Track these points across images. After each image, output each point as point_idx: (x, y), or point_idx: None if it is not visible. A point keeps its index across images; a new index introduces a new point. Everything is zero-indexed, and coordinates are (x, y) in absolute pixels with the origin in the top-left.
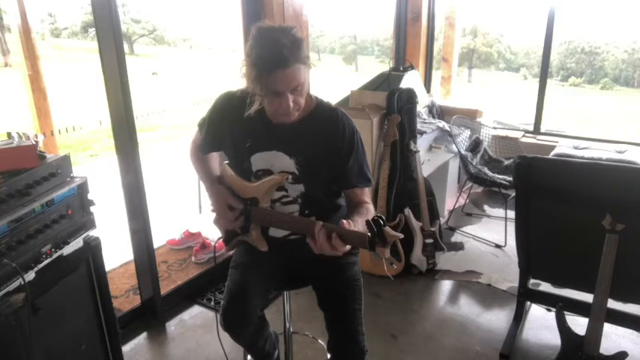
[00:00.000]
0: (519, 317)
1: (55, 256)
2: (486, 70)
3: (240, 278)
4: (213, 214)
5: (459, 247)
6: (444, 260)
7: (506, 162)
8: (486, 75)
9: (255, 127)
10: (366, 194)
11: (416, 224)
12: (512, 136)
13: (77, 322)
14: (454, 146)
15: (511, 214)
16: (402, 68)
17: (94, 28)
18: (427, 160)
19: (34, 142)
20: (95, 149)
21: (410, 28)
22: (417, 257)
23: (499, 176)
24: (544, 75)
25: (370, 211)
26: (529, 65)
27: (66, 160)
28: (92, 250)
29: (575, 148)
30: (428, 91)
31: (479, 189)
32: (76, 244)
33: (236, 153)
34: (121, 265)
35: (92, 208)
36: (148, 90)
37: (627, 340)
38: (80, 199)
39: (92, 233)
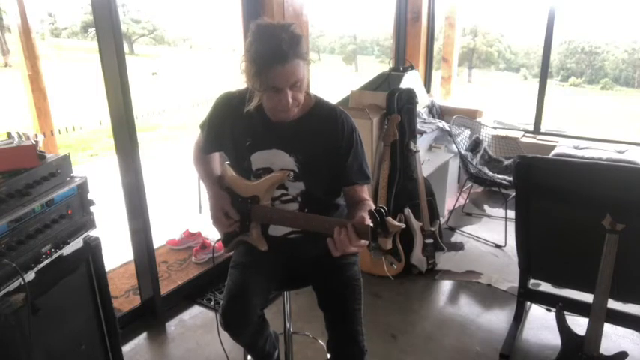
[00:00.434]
0: (519, 317)
1: (55, 256)
2: (486, 70)
3: (240, 278)
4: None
5: (459, 247)
6: (444, 260)
7: (506, 162)
8: (486, 75)
9: (254, 126)
10: (366, 192)
11: (416, 224)
12: (512, 136)
13: (77, 322)
14: (454, 146)
15: (511, 214)
16: (402, 68)
17: (94, 28)
18: (427, 160)
19: (34, 142)
20: (95, 149)
21: (410, 28)
22: (417, 257)
23: (499, 176)
24: (544, 75)
25: (371, 207)
26: (529, 65)
27: (66, 160)
28: (92, 250)
29: (575, 148)
30: (428, 91)
31: (479, 189)
32: (76, 244)
33: (236, 152)
34: (121, 265)
35: (92, 208)
36: (148, 90)
37: (627, 340)
38: (80, 199)
39: (92, 233)
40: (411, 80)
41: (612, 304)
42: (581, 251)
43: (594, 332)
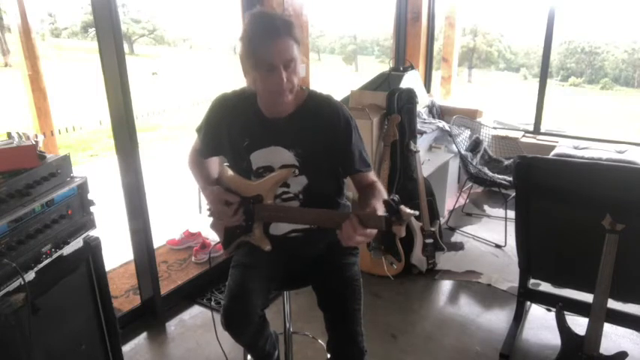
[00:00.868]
0: (519, 317)
1: (55, 256)
2: (486, 70)
3: (240, 278)
4: (210, 219)
5: (459, 247)
6: (444, 260)
7: (506, 162)
8: (486, 75)
9: (251, 126)
10: (372, 174)
11: (416, 224)
12: (512, 136)
13: (77, 322)
14: (454, 146)
15: (511, 214)
16: (402, 68)
17: (94, 28)
18: (427, 160)
19: (34, 142)
20: (95, 149)
21: (410, 28)
22: (417, 257)
23: (499, 176)
24: (544, 75)
25: (381, 190)
26: (529, 65)
27: (66, 160)
28: (92, 250)
29: (575, 148)
30: (428, 91)
31: (479, 189)
32: (76, 244)
33: (234, 153)
34: (121, 265)
35: (92, 208)
36: (148, 90)
37: (627, 340)
38: (80, 199)
39: (92, 233)
40: (411, 80)
41: (612, 304)
42: (581, 251)
43: (594, 332)
